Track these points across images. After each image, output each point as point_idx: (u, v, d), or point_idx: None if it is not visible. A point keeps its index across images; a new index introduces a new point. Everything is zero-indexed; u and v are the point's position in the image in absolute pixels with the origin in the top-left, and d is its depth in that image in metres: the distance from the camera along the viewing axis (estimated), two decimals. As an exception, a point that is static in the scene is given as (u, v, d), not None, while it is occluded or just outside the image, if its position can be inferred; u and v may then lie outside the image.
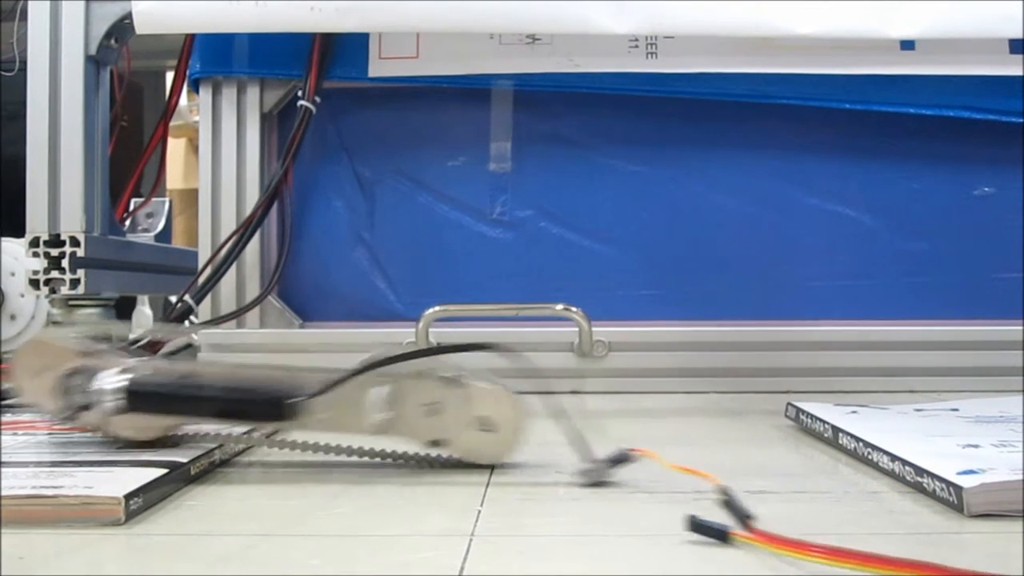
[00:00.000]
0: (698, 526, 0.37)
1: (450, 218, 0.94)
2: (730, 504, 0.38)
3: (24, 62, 0.89)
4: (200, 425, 0.52)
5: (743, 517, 0.37)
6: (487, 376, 0.52)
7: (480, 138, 0.94)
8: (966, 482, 0.41)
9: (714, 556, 0.35)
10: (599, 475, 0.48)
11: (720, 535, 0.36)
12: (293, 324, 0.92)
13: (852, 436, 0.54)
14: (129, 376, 0.50)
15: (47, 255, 0.87)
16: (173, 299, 0.95)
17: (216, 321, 0.89)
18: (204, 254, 0.91)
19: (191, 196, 1.40)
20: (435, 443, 0.51)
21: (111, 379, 0.50)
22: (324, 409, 0.50)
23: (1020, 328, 0.87)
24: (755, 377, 0.87)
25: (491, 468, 0.51)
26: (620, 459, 0.48)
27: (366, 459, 0.52)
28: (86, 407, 0.50)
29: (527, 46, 0.90)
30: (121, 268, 0.96)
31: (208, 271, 0.88)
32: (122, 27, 0.89)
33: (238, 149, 0.93)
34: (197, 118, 0.96)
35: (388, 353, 0.51)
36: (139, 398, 0.50)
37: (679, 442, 0.63)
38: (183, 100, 1.25)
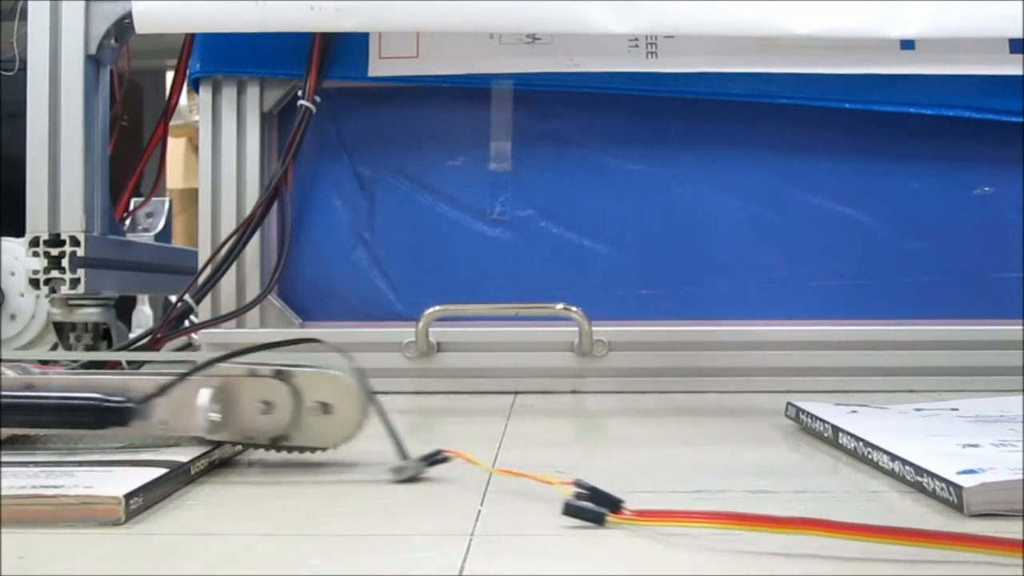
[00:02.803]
0: (574, 510, 0.39)
1: (450, 218, 0.94)
2: (596, 495, 0.40)
3: (24, 62, 0.89)
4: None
5: (613, 503, 0.39)
6: (320, 365, 0.52)
7: (480, 138, 0.94)
8: (966, 482, 0.41)
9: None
10: (412, 472, 0.49)
11: (597, 518, 0.39)
12: (293, 324, 0.92)
13: (852, 436, 0.54)
14: None
15: (47, 254, 0.87)
16: (173, 299, 0.95)
17: (216, 321, 0.89)
18: (204, 254, 0.91)
19: (191, 196, 1.41)
20: (275, 440, 0.51)
21: None
22: (161, 413, 0.50)
23: (1020, 328, 0.87)
24: (755, 377, 0.87)
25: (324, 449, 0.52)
26: (434, 459, 0.49)
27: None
28: None
29: (527, 46, 0.90)
30: (121, 268, 0.96)
31: (208, 271, 0.88)
32: (122, 27, 0.89)
33: (238, 149, 0.93)
34: (197, 117, 0.96)
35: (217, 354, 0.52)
36: None
37: (679, 442, 0.63)
38: (183, 99, 1.25)
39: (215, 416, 0.50)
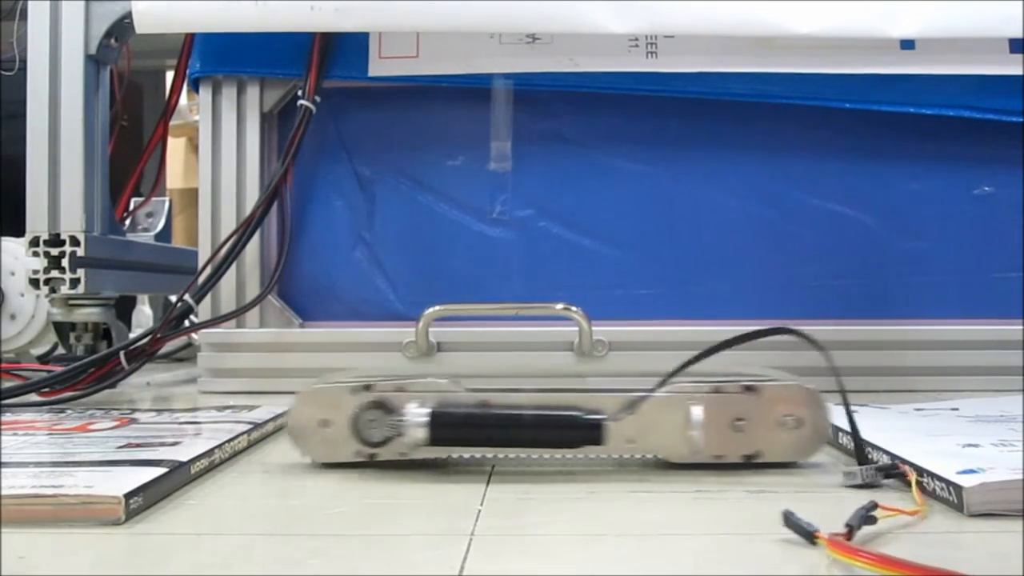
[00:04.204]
0: (790, 523, 0.36)
1: (450, 218, 0.94)
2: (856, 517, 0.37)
3: (24, 61, 0.89)
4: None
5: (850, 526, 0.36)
6: (781, 373, 0.51)
7: (480, 137, 0.94)
8: (966, 481, 0.41)
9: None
10: (865, 479, 0.46)
11: (808, 536, 0.36)
12: (293, 324, 0.92)
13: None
14: (429, 408, 0.48)
15: (47, 254, 0.87)
16: (173, 298, 0.95)
17: (216, 321, 0.89)
18: (204, 254, 0.91)
19: (191, 195, 1.40)
20: (748, 457, 0.50)
21: (413, 411, 0.48)
22: (627, 430, 0.49)
23: (1020, 328, 0.87)
24: (755, 377, 0.87)
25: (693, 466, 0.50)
26: (889, 470, 0.46)
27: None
28: (385, 442, 0.49)
29: (527, 45, 0.90)
30: (121, 267, 0.96)
31: (208, 271, 0.88)
32: (122, 26, 0.89)
33: (238, 149, 0.93)
34: (197, 117, 0.96)
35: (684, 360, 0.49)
36: (443, 429, 0.48)
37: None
38: (183, 99, 1.25)
39: (697, 435, 0.48)
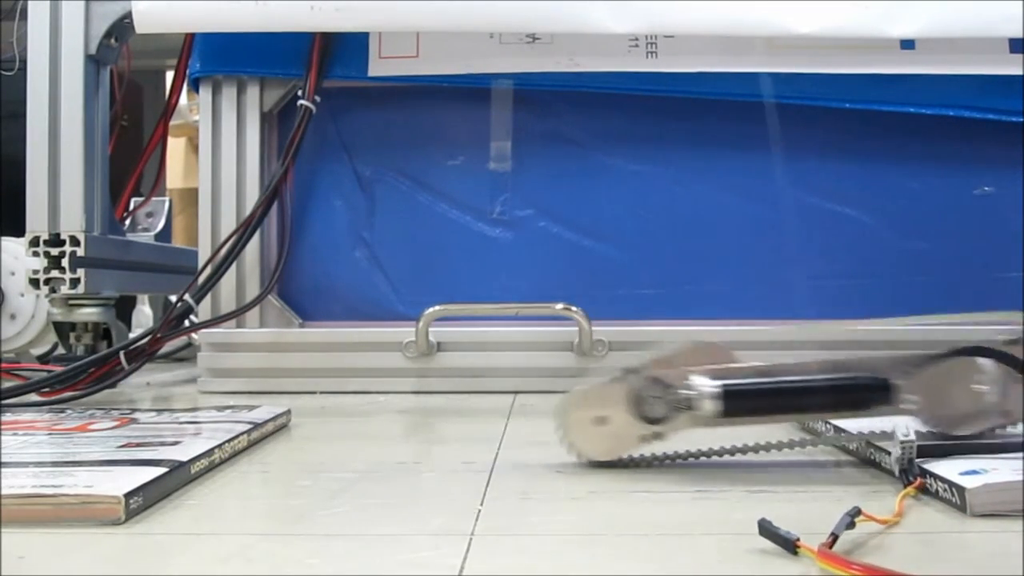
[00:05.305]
0: (767, 531, 0.36)
1: (450, 217, 0.94)
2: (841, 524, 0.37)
3: (24, 61, 0.89)
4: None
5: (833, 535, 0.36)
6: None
7: (480, 137, 0.94)
8: (969, 483, 0.41)
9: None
10: (898, 458, 0.46)
11: (787, 545, 0.35)
12: (293, 323, 0.92)
13: (853, 435, 0.54)
14: (720, 380, 0.48)
15: (47, 254, 0.87)
16: (173, 298, 0.95)
17: (216, 321, 0.89)
18: (204, 253, 0.91)
19: (191, 195, 1.41)
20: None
21: (702, 383, 0.48)
22: (908, 391, 0.48)
23: (1020, 328, 0.87)
24: (755, 377, 0.87)
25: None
26: (906, 474, 0.45)
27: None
28: (666, 418, 0.49)
29: (527, 45, 0.90)
30: (121, 267, 0.96)
31: (208, 270, 0.88)
32: (122, 26, 0.89)
33: (238, 148, 0.93)
34: (197, 117, 0.96)
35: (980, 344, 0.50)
36: (737, 400, 0.48)
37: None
38: (183, 99, 1.25)
39: (983, 389, 0.47)
